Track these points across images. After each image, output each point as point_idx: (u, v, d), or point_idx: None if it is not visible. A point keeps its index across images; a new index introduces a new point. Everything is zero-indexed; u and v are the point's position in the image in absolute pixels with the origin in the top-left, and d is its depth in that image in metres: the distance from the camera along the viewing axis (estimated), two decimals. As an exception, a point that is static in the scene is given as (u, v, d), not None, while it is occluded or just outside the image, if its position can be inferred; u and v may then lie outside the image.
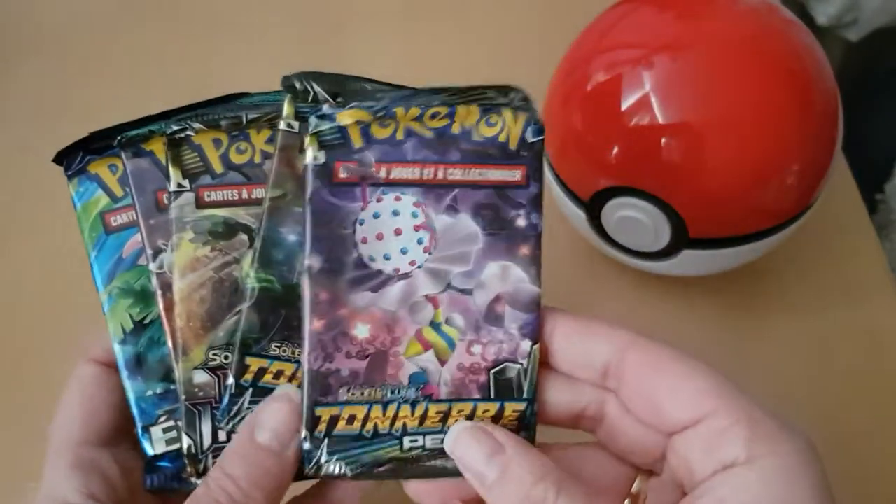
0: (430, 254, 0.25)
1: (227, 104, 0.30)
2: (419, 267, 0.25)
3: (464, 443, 0.25)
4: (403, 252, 0.25)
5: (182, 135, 0.29)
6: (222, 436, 0.29)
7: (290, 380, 0.28)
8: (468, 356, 0.26)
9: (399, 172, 0.25)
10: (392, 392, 0.25)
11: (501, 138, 0.25)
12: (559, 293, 0.47)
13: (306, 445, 0.26)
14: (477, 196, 0.25)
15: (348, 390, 0.25)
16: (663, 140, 0.37)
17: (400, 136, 0.24)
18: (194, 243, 0.29)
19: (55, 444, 0.29)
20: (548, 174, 0.43)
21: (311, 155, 0.26)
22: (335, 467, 0.26)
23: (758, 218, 0.39)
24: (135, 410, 0.30)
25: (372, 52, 0.58)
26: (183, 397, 0.29)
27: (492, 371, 0.26)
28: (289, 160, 0.28)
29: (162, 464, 0.30)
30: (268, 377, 0.28)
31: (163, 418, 0.30)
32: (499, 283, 0.26)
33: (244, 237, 0.30)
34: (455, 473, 0.26)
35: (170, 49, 0.61)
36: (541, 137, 0.26)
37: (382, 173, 0.25)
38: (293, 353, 0.28)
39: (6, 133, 0.57)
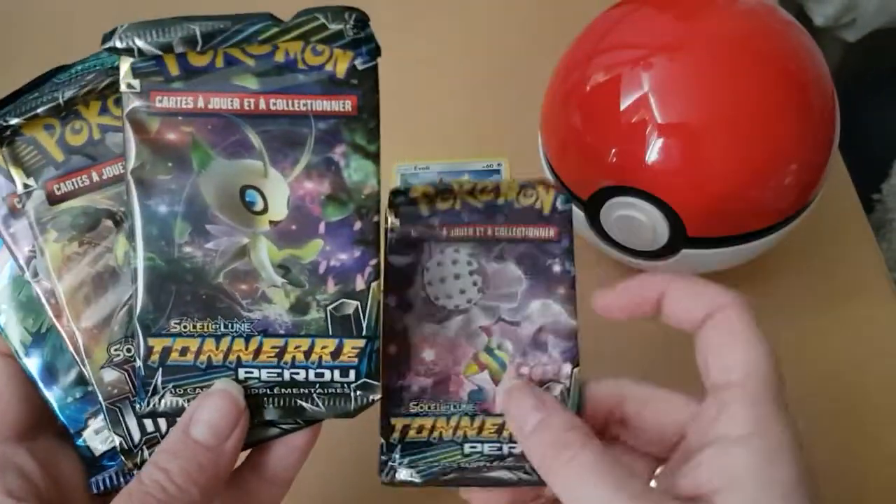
0: (483, 293, 0.31)
1: (42, 85, 0.27)
2: (475, 304, 0.30)
3: (515, 395, 0.29)
4: (462, 292, 0.30)
5: (8, 132, 0.27)
6: (151, 426, 0.28)
7: (198, 356, 0.27)
8: (518, 377, 0.30)
9: (456, 232, 0.30)
10: (454, 406, 0.30)
11: (537, 206, 0.31)
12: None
13: (382, 453, 0.30)
14: (520, 248, 0.31)
15: (417, 403, 0.30)
16: (661, 140, 0.37)
17: (457, 206, 0.30)
18: (60, 242, 0.28)
19: None
20: (546, 173, 0.44)
21: (390, 222, 0.30)
22: (407, 473, 0.30)
23: (755, 217, 0.39)
24: (62, 419, 0.29)
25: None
26: (101, 398, 0.28)
27: None
28: (139, 125, 0.25)
29: (105, 462, 0.29)
30: (174, 355, 0.27)
31: (91, 420, 0.29)
32: (541, 316, 0.31)
33: (109, 223, 0.28)
34: (510, 483, 0.29)
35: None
36: (568, 206, 0.31)
37: (444, 232, 0.30)
38: (195, 327, 0.27)
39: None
